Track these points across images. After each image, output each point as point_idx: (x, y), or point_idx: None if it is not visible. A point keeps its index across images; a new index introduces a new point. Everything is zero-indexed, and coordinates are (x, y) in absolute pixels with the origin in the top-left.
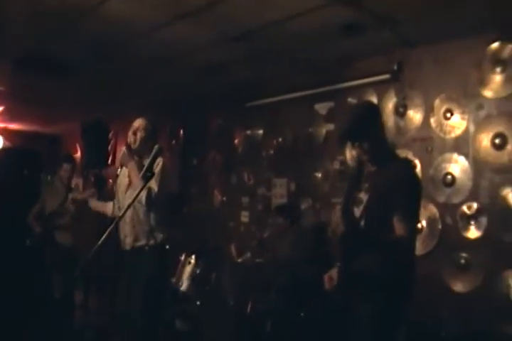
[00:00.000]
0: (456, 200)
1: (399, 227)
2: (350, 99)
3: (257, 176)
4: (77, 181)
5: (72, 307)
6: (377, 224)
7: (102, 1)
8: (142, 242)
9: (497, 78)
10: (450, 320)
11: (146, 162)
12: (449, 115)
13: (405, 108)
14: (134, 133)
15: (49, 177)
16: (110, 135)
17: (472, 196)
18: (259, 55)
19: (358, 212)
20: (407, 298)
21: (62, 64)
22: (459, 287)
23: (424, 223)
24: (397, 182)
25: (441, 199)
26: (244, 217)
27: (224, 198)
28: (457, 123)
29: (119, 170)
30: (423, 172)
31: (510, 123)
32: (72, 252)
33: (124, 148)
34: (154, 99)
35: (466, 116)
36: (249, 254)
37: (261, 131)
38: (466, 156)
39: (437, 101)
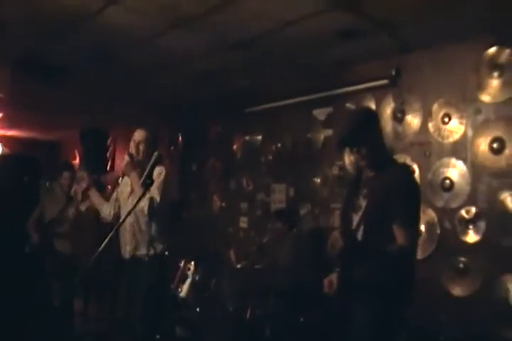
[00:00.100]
0: (454, 205)
1: (399, 236)
2: (348, 105)
3: (256, 182)
4: (76, 188)
5: (71, 315)
6: (376, 229)
7: (100, 9)
8: (142, 252)
9: (494, 83)
10: (449, 324)
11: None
12: (447, 120)
13: (403, 113)
14: (137, 146)
15: (48, 184)
16: (109, 141)
17: (470, 200)
18: (258, 62)
19: (356, 218)
20: (406, 304)
21: (60, 70)
22: (457, 291)
23: (422, 227)
24: (396, 187)
25: (440, 203)
26: (244, 222)
27: (223, 204)
28: (455, 128)
29: (121, 179)
30: (421, 177)
31: (507, 127)
32: (72, 260)
33: (127, 158)
34: (153, 106)
35: (464, 121)
36: (248, 260)
37: (260, 137)
38: (464, 161)
39: (435, 106)
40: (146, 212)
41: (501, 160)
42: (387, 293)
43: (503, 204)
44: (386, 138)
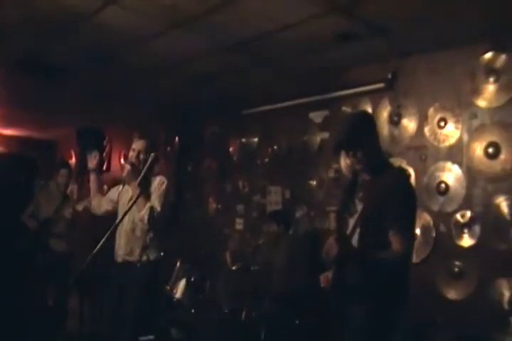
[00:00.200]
0: (449, 209)
1: (394, 240)
2: (344, 108)
3: (252, 184)
4: (72, 187)
5: (65, 315)
6: (372, 233)
7: (98, 10)
8: (134, 258)
9: (490, 88)
10: (443, 327)
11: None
12: (442, 124)
13: (399, 117)
14: (137, 156)
15: (43, 182)
16: (105, 141)
17: (466, 204)
18: (255, 65)
19: (352, 221)
20: (401, 307)
21: (60, 70)
22: (452, 294)
23: (418, 231)
24: (391, 191)
25: (435, 207)
26: (239, 224)
27: (219, 206)
28: (451, 132)
29: (121, 187)
30: (417, 181)
31: (503, 132)
32: (67, 260)
33: (128, 167)
34: (150, 107)
35: (459, 125)
36: (243, 262)
37: (256, 139)
38: (460, 165)
39: (431, 110)
40: (146, 221)
41: (496, 165)
42: (381, 297)
43: (498, 208)
44: (382, 141)
